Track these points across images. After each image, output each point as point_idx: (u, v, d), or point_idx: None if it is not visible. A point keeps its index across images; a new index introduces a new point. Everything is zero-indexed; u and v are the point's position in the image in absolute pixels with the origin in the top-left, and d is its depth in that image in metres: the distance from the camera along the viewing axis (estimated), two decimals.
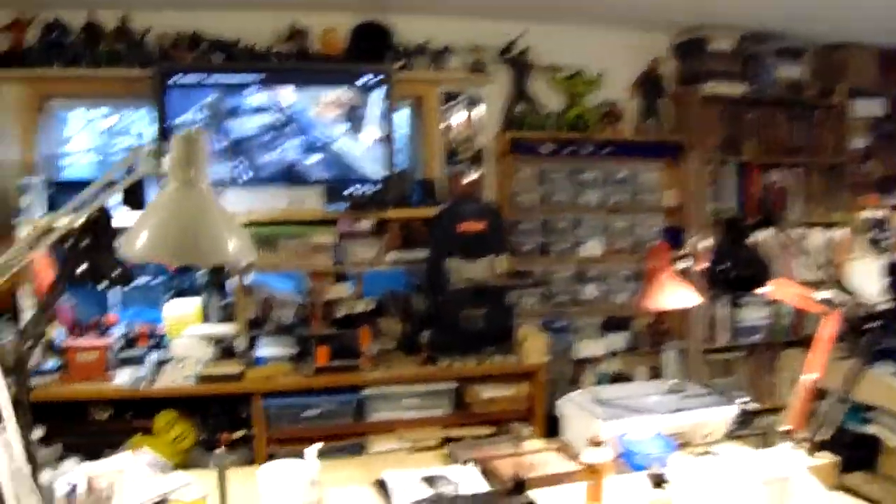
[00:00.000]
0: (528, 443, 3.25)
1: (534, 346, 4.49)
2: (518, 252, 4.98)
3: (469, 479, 2.76)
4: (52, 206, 4.51)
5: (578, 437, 2.91)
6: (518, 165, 5.08)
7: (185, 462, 4.25)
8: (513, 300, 4.58)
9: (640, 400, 3.17)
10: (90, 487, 2.37)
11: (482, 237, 4.45)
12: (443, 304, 4.45)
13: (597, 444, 2.46)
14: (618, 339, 5.30)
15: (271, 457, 4.19)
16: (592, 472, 2.46)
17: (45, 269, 4.45)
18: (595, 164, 5.26)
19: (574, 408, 3.16)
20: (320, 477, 2.51)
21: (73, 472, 2.40)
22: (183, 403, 4.37)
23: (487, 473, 2.81)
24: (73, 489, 2.35)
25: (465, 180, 5.00)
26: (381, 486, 2.79)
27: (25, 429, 2.39)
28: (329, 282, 4.64)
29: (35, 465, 2.41)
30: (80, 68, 4.67)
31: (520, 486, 2.50)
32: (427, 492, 2.65)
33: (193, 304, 4.63)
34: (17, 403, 2.38)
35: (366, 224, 4.72)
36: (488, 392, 4.42)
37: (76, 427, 4.38)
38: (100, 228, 2.38)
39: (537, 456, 3.00)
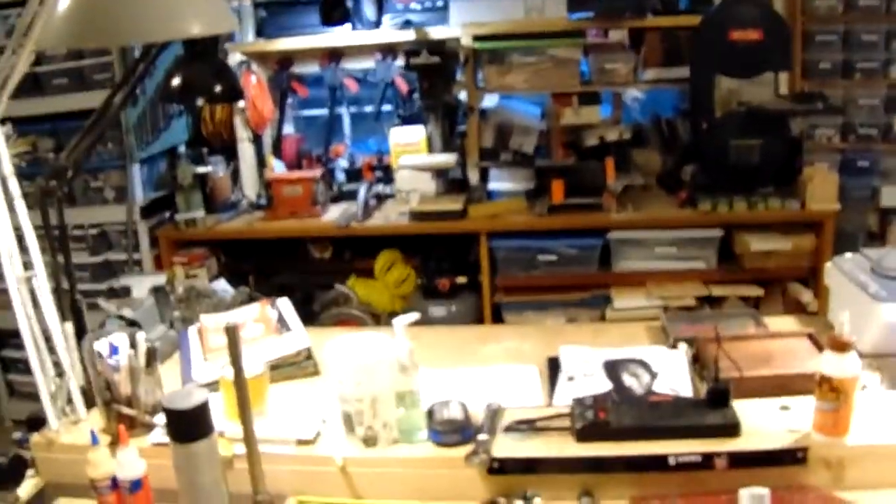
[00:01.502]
0: (776, 321, 2.45)
1: (823, 189, 3.58)
2: (811, 71, 4.00)
3: (672, 369, 2.05)
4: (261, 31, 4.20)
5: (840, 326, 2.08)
6: None
7: (405, 308, 3.84)
8: (799, 130, 3.70)
9: None
10: (135, 352, 1.89)
11: (760, 49, 3.54)
12: (709, 132, 3.63)
13: (841, 346, 1.66)
14: None
15: (497, 307, 3.76)
16: (829, 389, 1.67)
17: (261, 97, 4.07)
18: None
19: (842, 277, 2.32)
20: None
21: (117, 334, 1.92)
22: (406, 243, 3.93)
23: (699, 362, 2.08)
24: (115, 352, 1.87)
25: None
26: (555, 366, 2.14)
27: (61, 275, 1.97)
28: (576, 105, 3.92)
29: (80, 318, 2.00)
30: None
31: (720, 395, 1.75)
32: (603, 383, 1.97)
33: (421, 132, 4.06)
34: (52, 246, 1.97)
35: (619, 35, 3.95)
36: (761, 243, 3.61)
37: (293, 265, 4.07)
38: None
39: (779, 343, 2.19)
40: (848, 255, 2.40)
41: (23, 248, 1.89)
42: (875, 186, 4.05)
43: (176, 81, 1.96)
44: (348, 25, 4.00)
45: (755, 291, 3.63)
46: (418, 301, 3.78)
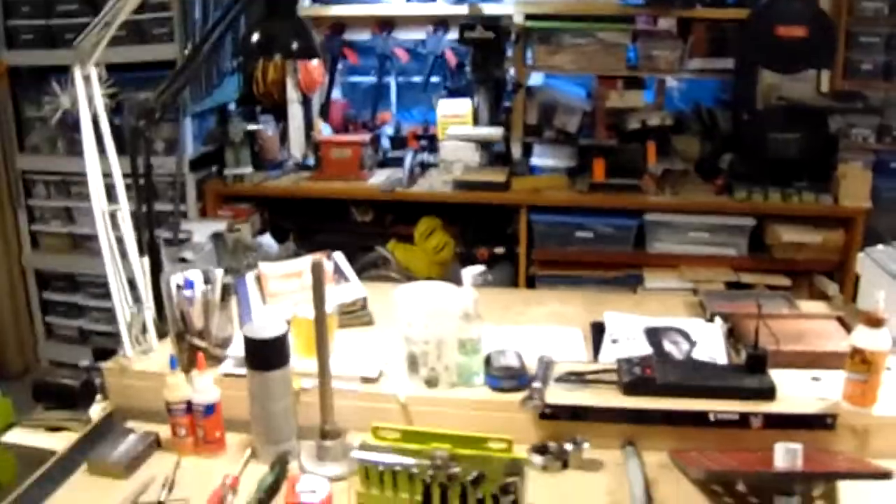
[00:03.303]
0: (807, 305, 2.57)
1: (855, 186, 3.67)
2: (853, 71, 4.06)
3: (709, 340, 2.16)
4: None
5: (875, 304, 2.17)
6: None
7: (442, 275, 3.95)
8: (837, 128, 3.79)
9: None
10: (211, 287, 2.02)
11: (804, 46, 3.62)
12: (748, 123, 3.74)
13: (875, 321, 1.78)
14: None
15: (532, 280, 3.87)
16: (860, 361, 1.79)
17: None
18: None
19: (873, 265, 2.43)
20: (481, 310, 1.92)
21: (193, 270, 2.05)
22: (447, 212, 4.04)
23: (734, 335, 2.20)
24: (189, 286, 2.00)
25: None
26: (598, 329, 2.26)
27: (143, 210, 2.10)
28: (621, 89, 4.04)
29: (156, 254, 2.12)
30: None
31: (758, 361, 1.87)
32: (643, 347, 2.09)
33: (468, 104, 4.17)
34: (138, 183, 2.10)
35: (667, 23, 4.02)
36: (793, 235, 3.69)
37: (335, 226, 4.19)
38: None
39: (810, 324, 2.30)
40: (880, 246, 2.51)
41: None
42: None
43: (256, 37, 2.07)
44: None
45: (783, 281, 3.72)
46: (456, 268, 3.88)
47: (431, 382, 1.84)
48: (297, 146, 4.32)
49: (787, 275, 3.74)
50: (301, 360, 1.91)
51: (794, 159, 3.68)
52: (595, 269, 3.84)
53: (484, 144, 4.01)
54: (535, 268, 3.89)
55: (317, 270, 1.60)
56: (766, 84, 3.71)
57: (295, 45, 2.10)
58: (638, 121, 3.94)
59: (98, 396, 2.07)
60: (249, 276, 2.58)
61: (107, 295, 2.04)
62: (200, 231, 3.01)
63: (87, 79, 2.01)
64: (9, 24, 4.11)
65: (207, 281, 2.03)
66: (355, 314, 2.34)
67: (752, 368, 1.84)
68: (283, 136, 4.31)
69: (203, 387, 1.80)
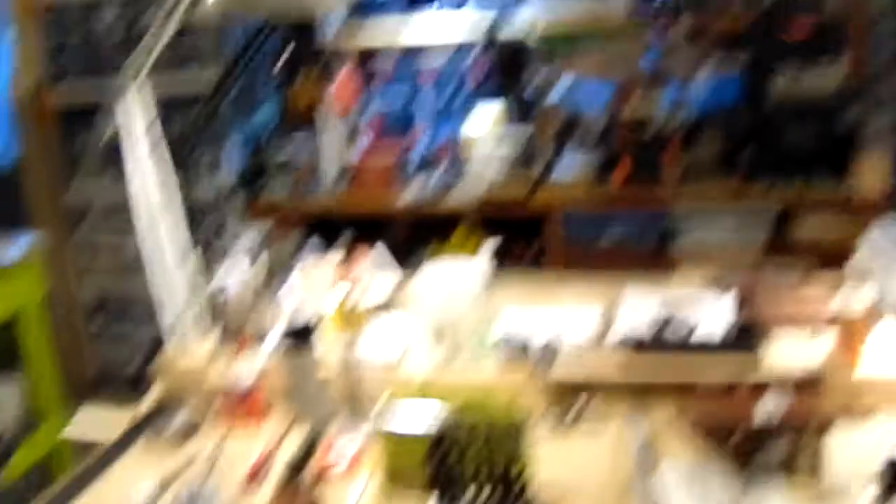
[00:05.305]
0: (823, 276, 2.69)
1: (874, 175, 3.77)
2: (869, 62, 4.21)
3: (720, 312, 2.28)
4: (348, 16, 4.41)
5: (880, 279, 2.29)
6: None
7: None
8: (855, 118, 3.89)
9: None
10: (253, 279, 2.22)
11: (816, 38, 3.77)
12: (766, 118, 3.86)
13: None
14: None
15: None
16: (843, 321, 1.93)
17: (346, 83, 4.37)
18: None
19: (875, 243, 2.55)
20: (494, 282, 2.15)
21: (238, 258, 2.25)
22: (478, 222, 4.20)
23: (743, 308, 2.33)
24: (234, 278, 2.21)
25: None
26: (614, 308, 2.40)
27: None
28: (639, 94, 4.18)
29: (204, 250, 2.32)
30: None
31: (745, 331, 2.02)
32: (654, 321, 2.23)
33: (493, 116, 4.34)
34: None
35: (680, 29, 4.17)
36: (815, 223, 3.81)
37: (371, 241, 4.34)
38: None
39: (821, 293, 2.44)
40: (884, 222, 2.62)
41: None
42: None
43: (283, 59, 2.26)
44: (432, 7, 4.30)
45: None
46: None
47: (449, 356, 2.01)
48: (333, 165, 4.51)
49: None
50: (335, 338, 2.09)
51: (811, 151, 3.79)
52: (623, 267, 3.97)
53: (511, 155, 4.17)
54: (565, 269, 4.03)
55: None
56: (780, 80, 3.81)
57: (317, 67, 2.27)
58: (658, 123, 4.09)
59: (152, 386, 2.27)
60: (294, 272, 2.75)
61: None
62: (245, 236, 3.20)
63: (135, 96, 2.21)
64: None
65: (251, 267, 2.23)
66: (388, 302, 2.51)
67: (744, 333, 1.99)
68: (320, 157, 4.50)
69: (246, 367, 1.99)
